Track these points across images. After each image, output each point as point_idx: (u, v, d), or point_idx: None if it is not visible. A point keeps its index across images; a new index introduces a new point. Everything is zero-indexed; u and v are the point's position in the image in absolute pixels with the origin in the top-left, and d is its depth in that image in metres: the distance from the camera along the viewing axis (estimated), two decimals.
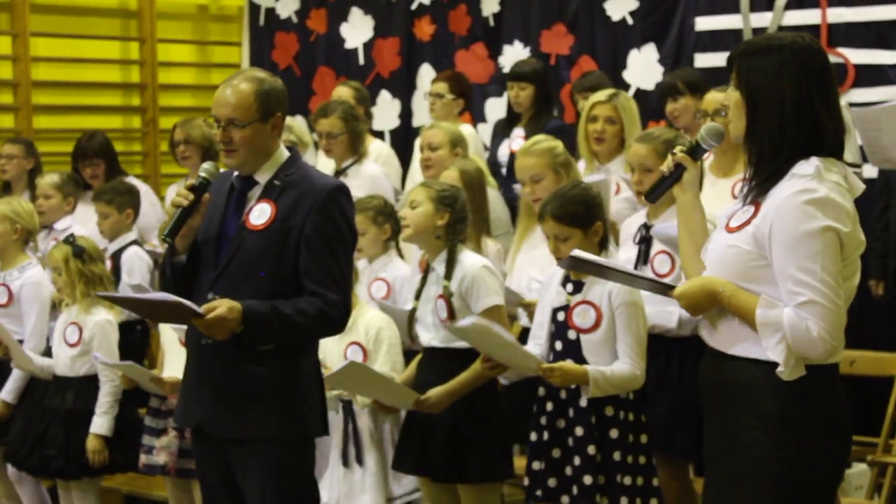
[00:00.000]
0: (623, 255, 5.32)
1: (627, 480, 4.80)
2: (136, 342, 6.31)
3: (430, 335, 5.21)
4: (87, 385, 6.00)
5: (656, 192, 3.95)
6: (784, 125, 3.52)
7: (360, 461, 5.41)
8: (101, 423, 5.94)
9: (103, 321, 6.01)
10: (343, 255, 4.23)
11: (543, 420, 4.89)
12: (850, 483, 6.50)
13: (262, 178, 4.26)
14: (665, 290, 3.84)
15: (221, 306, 4.00)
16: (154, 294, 4.15)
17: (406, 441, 5.29)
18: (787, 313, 3.43)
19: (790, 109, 3.52)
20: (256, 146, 4.21)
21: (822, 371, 3.50)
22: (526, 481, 4.92)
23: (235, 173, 4.32)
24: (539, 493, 4.86)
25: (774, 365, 3.48)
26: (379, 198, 6.14)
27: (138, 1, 10.09)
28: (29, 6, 9.38)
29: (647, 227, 5.22)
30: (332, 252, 4.18)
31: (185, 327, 4.40)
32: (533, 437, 4.92)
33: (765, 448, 3.49)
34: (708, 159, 6.04)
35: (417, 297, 5.31)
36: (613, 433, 4.80)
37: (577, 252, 4.05)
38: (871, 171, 7.11)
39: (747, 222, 3.55)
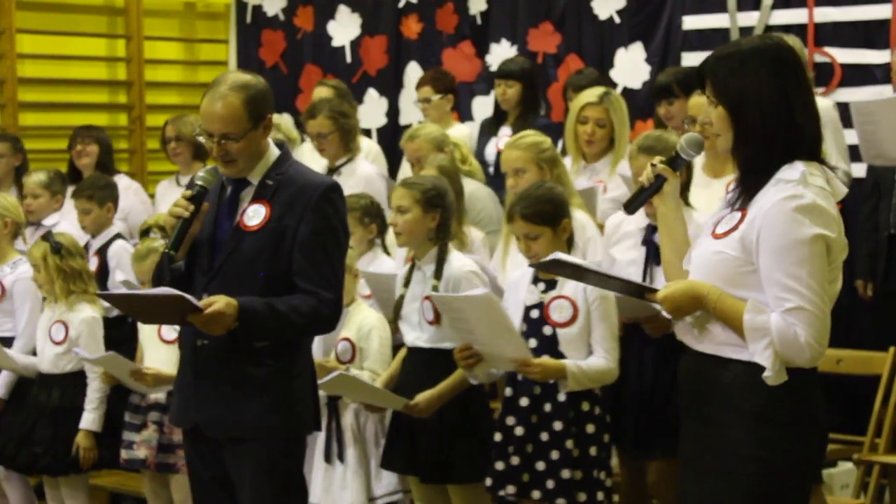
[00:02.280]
0: (623, 255, 5.30)
1: (602, 476, 4.87)
2: (126, 337, 6.29)
3: (415, 334, 5.21)
4: (73, 381, 6.00)
5: (635, 204, 3.93)
6: (767, 129, 3.52)
7: (341, 458, 5.41)
8: (90, 419, 5.94)
9: (89, 318, 6.01)
10: (336, 254, 4.24)
11: (511, 419, 4.92)
12: (837, 481, 6.52)
13: (255, 178, 4.25)
14: (643, 292, 3.80)
15: (219, 301, 4.01)
16: (155, 289, 4.11)
17: (394, 440, 5.30)
18: (775, 319, 3.44)
19: (771, 113, 3.52)
20: (252, 152, 4.21)
21: (802, 373, 3.51)
22: (489, 482, 4.95)
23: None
24: (511, 489, 4.88)
25: (755, 364, 3.49)
26: (366, 197, 6.14)
27: None
28: (15, 3, 9.36)
29: (653, 227, 5.16)
30: (325, 251, 4.19)
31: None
32: (497, 437, 4.96)
33: (745, 446, 3.51)
34: (699, 161, 6.06)
35: (405, 285, 5.31)
36: (590, 428, 4.89)
37: (559, 255, 4.03)
38: (860, 170, 7.11)
39: (734, 228, 3.55)
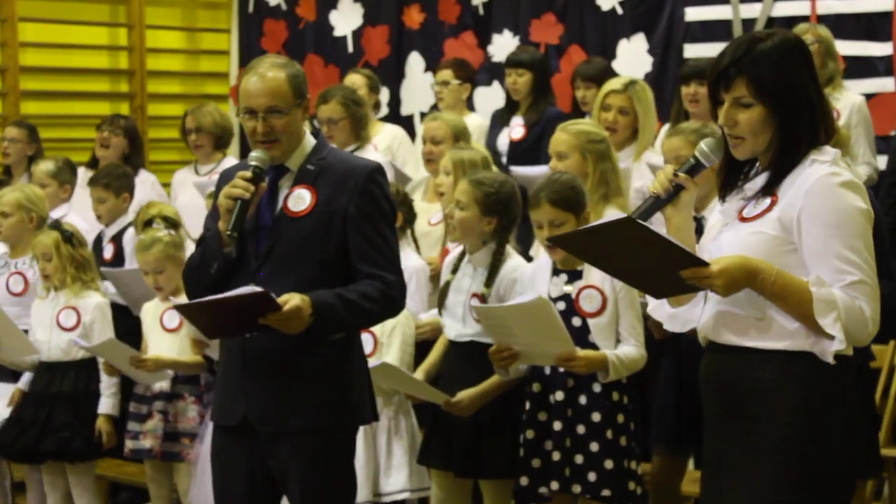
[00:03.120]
0: None
1: (633, 465, 4.84)
2: (131, 326, 6.28)
3: (458, 328, 5.12)
4: (87, 367, 5.98)
5: (646, 214, 3.61)
6: (816, 122, 3.48)
7: None
8: (109, 404, 5.94)
9: (101, 303, 6.01)
10: (391, 235, 4.18)
11: (544, 415, 4.86)
12: None
13: (293, 164, 4.17)
14: (690, 264, 3.42)
15: (294, 298, 3.91)
16: (237, 290, 3.91)
17: (432, 436, 5.25)
18: (839, 293, 3.36)
19: (813, 106, 3.47)
20: (294, 132, 4.14)
21: (843, 361, 3.44)
22: (524, 481, 4.87)
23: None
24: (555, 485, 4.81)
25: (794, 355, 3.42)
26: (391, 185, 6.05)
27: None
28: None
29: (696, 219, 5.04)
30: (380, 233, 4.13)
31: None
32: (529, 434, 4.88)
33: (792, 441, 3.42)
34: None
35: (455, 270, 5.21)
36: (620, 418, 4.83)
37: (625, 215, 3.54)
38: (881, 163, 7.12)
39: (768, 209, 3.47)
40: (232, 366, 4.20)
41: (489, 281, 5.07)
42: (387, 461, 5.40)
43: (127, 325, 6.27)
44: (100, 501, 6.24)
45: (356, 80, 8.09)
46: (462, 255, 5.25)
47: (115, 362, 5.81)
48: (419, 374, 5.30)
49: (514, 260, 5.13)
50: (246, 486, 4.20)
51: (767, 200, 3.49)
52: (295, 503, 4.18)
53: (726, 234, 3.55)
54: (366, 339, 5.31)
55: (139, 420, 5.87)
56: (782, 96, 3.45)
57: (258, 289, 3.87)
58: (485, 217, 5.07)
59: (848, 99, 6.98)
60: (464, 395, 5.01)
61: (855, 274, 3.36)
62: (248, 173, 4.06)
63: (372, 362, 5.16)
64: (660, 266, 3.49)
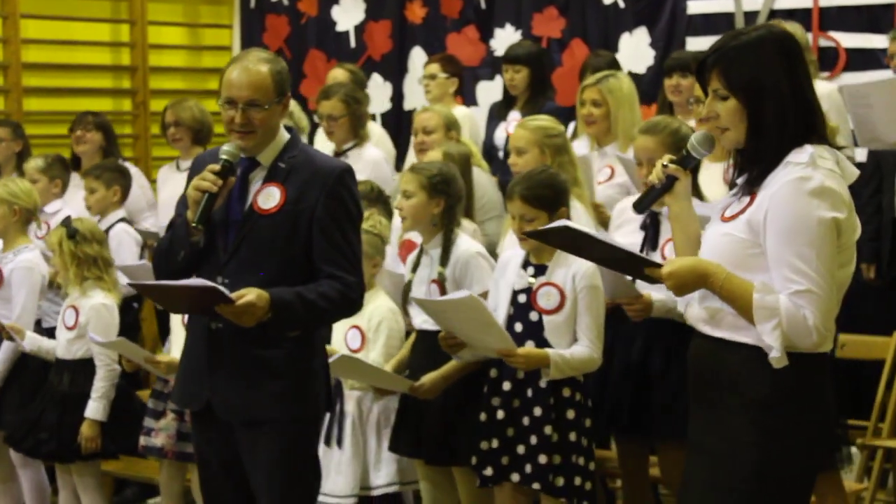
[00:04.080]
0: (623, 240, 5.30)
1: (581, 461, 4.90)
2: (131, 322, 6.29)
3: (423, 317, 5.20)
4: (83, 368, 5.98)
5: (644, 203, 3.88)
6: (786, 116, 3.50)
7: (339, 443, 5.40)
8: (95, 408, 5.90)
9: (99, 305, 5.98)
10: (355, 238, 4.25)
11: (496, 400, 4.96)
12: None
13: (266, 159, 4.23)
14: (645, 266, 3.68)
15: (250, 294, 3.98)
16: (189, 280, 4.07)
17: (401, 424, 5.32)
18: (784, 300, 3.42)
19: (786, 101, 3.50)
20: (270, 127, 4.20)
21: (812, 359, 3.50)
22: (474, 460, 4.99)
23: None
24: (489, 471, 4.92)
25: (762, 350, 3.47)
26: (366, 182, 6.13)
27: None
28: None
29: (654, 212, 5.14)
30: (345, 235, 4.19)
31: None
32: (483, 417, 4.99)
33: (747, 433, 3.50)
34: None
35: (414, 269, 5.35)
36: (570, 414, 4.91)
37: (568, 222, 3.89)
38: (861, 154, 7.11)
39: (742, 210, 3.53)
40: (196, 353, 4.29)
41: (444, 260, 5.21)
42: (376, 455, 5.43)
43: (125, 321, 6.25)
44: (104, 498, 6.24)
45: (339, 74, 8.11)
46: (419, 253, 5.36)
47: (131, 358, 5.80)
48: (388, 367, 5.35)
49: (463, 241, 5.26)
50: (221, 471, 4.31)
51: (746, 200, 3.55)
52: (260, 492, 4.24)
53: (708, 232, 3.66)
54: (353, 334, 5.41)
55: (154, 416, 5.87)
56: (751, 90, 3.51)
57: (209, 283, 3.96)
58: (432, 199, 5.24)
59: (819, 88, 6.95)
60: (426, 378, 5.11)
61: (802, 283, 3.42)
62: (217, 166, 4.12)
63: (360, 357, 5.22)
64: (623, 262, 3.77)
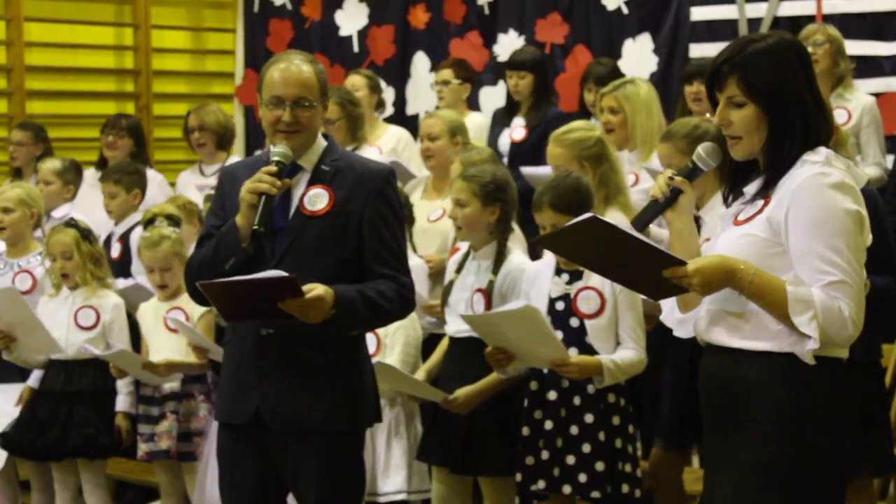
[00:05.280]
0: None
1: (629, 468, 4.84)
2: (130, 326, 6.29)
3: (459, 324, 5.13)
4: (105, 365, 5.95)
5: (644, 219, 3.67)
6: (808, 121, 3.47)
7: None
8: (126, 401, 5.91)
9: (118, 304, 5.99)
10: (402, 237, 4.24)
11: (539, 413, 4.88)
12: None
13: (307, 163, 4.18)
14: (669, 263, 3.46)
15: (318, 288, 3.93)
16: (262, 273, 3.95)
17: (431, 432, 5.27)
18: (818, 293, 3.34)
19: (812, 105, 3.47)
20: (314, 128, 4.17)
21: (830, 363, 3.45)
22: (519, 477, 4.90)
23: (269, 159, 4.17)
24: (542, 484, 4.82)
25: (782, 357, 3.42)
26: None
27: None
28: None
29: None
30: (394, 235, 4.17)
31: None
32: (525, 431, 4.90)
33: (775, 443, 3.43)
34: None
35: (459, 270, 5.26)
36: (616, 420, 4.84)
37: (594, 214, 3.55)
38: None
39: (759, 212, 3.48)
40: (243, 363, 4.18)
41: (496, 269, 5.11)
42: (385, 462, 5.39)
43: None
44: (110, 499, 6.23)
45: (356, 81, 8.10)
46: (466, 254, 5.28)
47: (125, 368, 5.80)
48: (420, 374, 5.31)
49: (517, 256, 5.17)
50: (254, 485, 4.21)
51: (760, 203, 3.50)
52: (305, 502, 4.18)
53: (721, 238, 3.58)
54: (369, 339, 5.32)
55: (150, 422, 5.85)
56: (773, 96, 3.46)
57: (286, 273, 3.87)
58: (487, 208, 5.13)
59: (859, 100, 6.98)
60: (460, 392, 5.03)
61: (835, 274, 3.35)
62: (274, 168, 4.06)
63: (374, 362, 5.20)
64: (642, 266, 3.51)
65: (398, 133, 7.93)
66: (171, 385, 5.77)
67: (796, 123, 3.46)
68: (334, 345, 4.12)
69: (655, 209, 3.64)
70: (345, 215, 4.11)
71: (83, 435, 5.92)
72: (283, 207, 4.14)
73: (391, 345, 5.37)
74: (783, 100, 3.46)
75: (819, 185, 3.39)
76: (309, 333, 4.05)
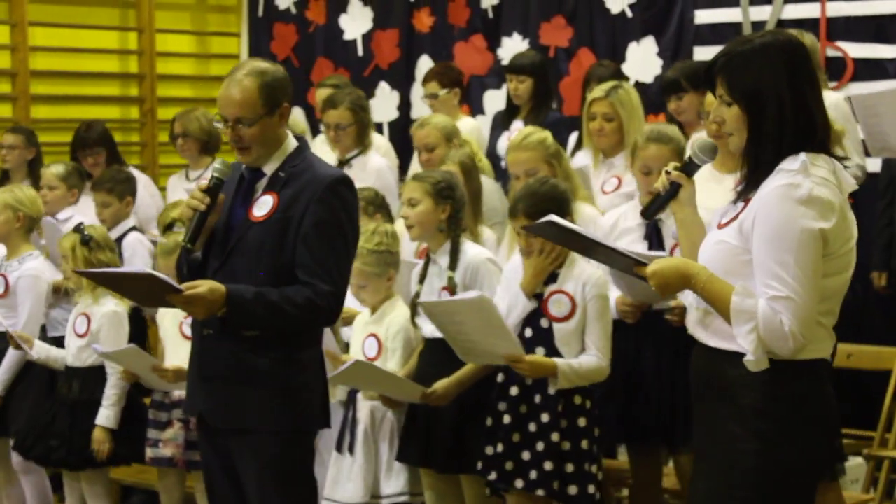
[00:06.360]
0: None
1: (594, 469, 4.90)
2: (135, 333, 6.28)
3: (433, 326, 5.18)
4: (94, 376, 5.97)
5: (652, 210, 3.95)
6: (785, 124, 3.50)
7: (351, 450, 5.39)
8: (107, 416, 5.91)
9: (111, 312, 5.98)
10: (341, 247, 4.19)
11: (503, 405, 4.97)
12: (846, 476, 6.51)
13: (269, 168, 4.23)
14: (633, 265, 3.69)
15: (202, 286, 4.01)
16: (129, 268, 4.18)
17: (409, 433, 5.30)
18: (762, 305, 3.42)
19: (790, 108, 3.49)
20: (267, 139, 4.19)
21: (807, 366, 3.50)
22: (479, 465, 4.99)
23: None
24: (493, 476, 4.92)
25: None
26: (370, 189, 6.14)
27: None
28: None
29: (654, 220, 5.18)
30: (328, 243, 4.15)
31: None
32: (489, 421, 5.00)
33: (743, 440, 3.50)
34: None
35: (421, 281, 5.34)
36: (581, 422, 4.92)
37: (555, 217, 3.83)
38: (874, 164, 7.12)
39: (735, 217, 3.55)
40: (192, 362, 4.34)
41: (452, 265, 5.21)
42: (388, 463, 5.40)
43: (136, 329, 6.26)
44: None
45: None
46: (426, 263, 5.35)
47: (133, 370, 5.80)
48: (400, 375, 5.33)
49: (471, 247, 5.28)
50: (223, 477, 4.32)
51: (741, 206, 3.57)
52: (253, 501, 4.25)
53: (705, 241, 3.67)
54: (371, 342, 5.39)
55: (159, 427, 5.86)
56: (750, 99, 3.52)
57: (147, 270, 4.02)
58: (438, 206, 5.25)
59: (827, 98, 6.94)
60: (439, 384, 5.10)
61: (780, 290, 3.41)
62: (205, 184, 4.17)
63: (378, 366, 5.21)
64: (616, 258, 3.76)
65: (377, 140, 7.86)
66: (181, 392, 5.76)
67: (771, 129, 3.51)
68: (271, 347, 4.17)
69: (660, 201, 3.88)
70: (284, 221, 4.15)
71: (47, 446, 5.96)
72: (244, 210, 4.22)
73: (392, 349, 5.39)
74: (760, 103, 3.51)
75: (782, 199, 3.44)
76: (244, 336, 4.14)
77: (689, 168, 3.83)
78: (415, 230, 5.31)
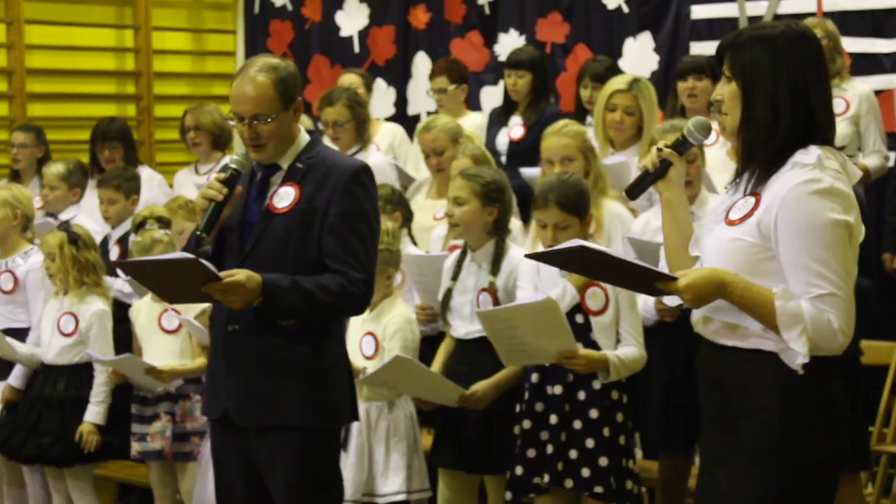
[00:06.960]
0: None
1: (631, 464, 4.87)
2: (126, 330, 6.27)
3: (467, 326, 5.16)
4: (80, 373, 6.00)
5: (638, 188, 3.81)
6: (779, 113, 3.48)
7: (344, 447, 5.37)
8: (95, 412, 5.94)
9: (100, 311, 6.00)
10: (367, 235, 4.18)
11: (540, 406, 4.88)
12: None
13: (285, 162, 4.21)
14: (660, 280, 3.53)
15: (239, 273, 3.94)
16: (170, 254, 4.04)
17: (442, 435, 5.28)
18: (806, 306, 3.38)
19: (785, 97, 3.47)
20: (283, 136, 4.18)
21: (822, 363, 3.45)
22: (519, 470, 4.90)
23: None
24: (546, 478, 4.82)
25: (774, 356, 3.45)
26: (386, 186, 6.09)
27: None
28: None
29: None
30: (355, 232, 4.14)
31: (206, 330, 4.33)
32: (526, 424, 4.91)
33: (764, 439, 3.46)
34: (726, 146, 6.04)
35: (454, 277, 5.27)
36: (619, 417, 4.86)
37: (582, 241, 3.62)
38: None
39: (749, 213, 3.49)
40: (216, 360, 4.27)
41: (495, 269, 5.13)
42: (384, 464, 5.37)
43: (122, 328, 6.25)
44: (100, 502, 6.24)
45: (353, 79, 8.11)
46: (461, 258, 5.27)
47: (127, 374, 5.80)
48: None
49: (517, 252, 5.18)
50: (241, 480, 4.26)
51: (752, 201, 3.51)
52: (279, 500, 4.21)
53: (711, 237, 3.60)
54: (368, 341, 5.34)
55: (143, 422, 5.87)
56: (746, 76, 3.51)
57: (190, 255, 3.91)
58: (486, 208, 5.15)
59: (856, 89, 6.98)
60: (477, 386, 5.03)
61: (824, 287, 3.38)
62: (224, 175, 4.12)
63: (373, 365, 5.18)
64: (635, 277, 3.62)
65: (392, 129, 7.95)
66: (165, 385, 5.78)
67: (761, 114, 3.49)
68: (300, 341, 4.14)
69: (647, 180, 3.77)
70: (309, 212, 4.13)
71: (39, 443, 5.96)
72: (259, 206, 4.19)
73: (389, 348, 5.35)
74: (755, 82, 3.50)
75: (806, 194, 3.40)
76: (273, 330, 4.09)
77: (682, 146, 3.76)
78: (459, 229, 5.23)
